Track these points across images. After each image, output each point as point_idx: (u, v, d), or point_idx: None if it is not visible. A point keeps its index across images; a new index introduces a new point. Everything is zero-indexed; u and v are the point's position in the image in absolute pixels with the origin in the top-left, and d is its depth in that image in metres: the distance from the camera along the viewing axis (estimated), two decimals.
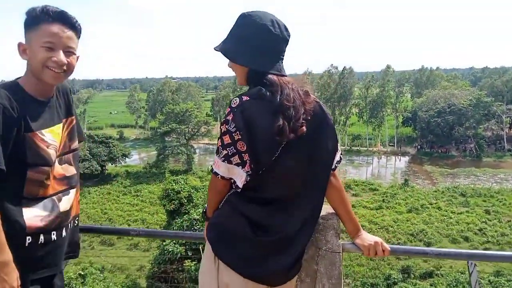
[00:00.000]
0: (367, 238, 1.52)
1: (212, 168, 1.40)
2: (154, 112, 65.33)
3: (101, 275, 16.69)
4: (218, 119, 64.66)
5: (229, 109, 1.31)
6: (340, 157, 1.48)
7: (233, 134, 1.29)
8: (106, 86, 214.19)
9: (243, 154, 1.31)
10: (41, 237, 1.51)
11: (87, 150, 43.37)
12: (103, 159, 44.63)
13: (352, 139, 63.37)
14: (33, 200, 1.51)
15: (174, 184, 20.72)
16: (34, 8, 1.47)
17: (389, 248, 1.49)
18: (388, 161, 54.79)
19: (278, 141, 1.29)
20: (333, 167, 1.46)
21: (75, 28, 1.53)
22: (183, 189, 19.97)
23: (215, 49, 1.42)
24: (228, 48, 1.39)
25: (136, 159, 57.38)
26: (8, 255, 1.34)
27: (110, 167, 47.46)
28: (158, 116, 56.62)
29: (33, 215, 1.49)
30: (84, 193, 41.13)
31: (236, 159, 1.32)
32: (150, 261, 18.89)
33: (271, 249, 1.36)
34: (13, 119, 1.42)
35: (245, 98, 1.32)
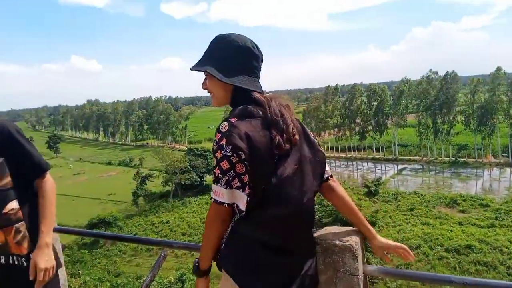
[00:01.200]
0: (385, 239, 1.57)
1: (214, 199, 1.35)
2: None
3: None
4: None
5: (220, 134, 1.31)
6: (328, 170, 1.52)
7: (231, 158, 1.29)
8: (205, 102, 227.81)
9: (242, 176, 1.31)
10: None
11: (187, 162, 46.69)
12: (201, 171, 47.58)
13: (458, 149, 57.88)
14: None
15: None
16: None
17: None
18: (502, 174, 48.80)
19: (276, 154, 1.32)
20: (326, 176, 1.51)
21: None
22: None
23: (193, 69, 1.43)
24: (215, 68, 1.40)
25: None
26: None
27: (208, 178, 50.30)
28: None
29: None
30: (185, 203, 44.28)
31: (236, 182, 1.32)
32: None
33: (293, 270, 1.40)
34: None
35: (233, 120, 1.34)
